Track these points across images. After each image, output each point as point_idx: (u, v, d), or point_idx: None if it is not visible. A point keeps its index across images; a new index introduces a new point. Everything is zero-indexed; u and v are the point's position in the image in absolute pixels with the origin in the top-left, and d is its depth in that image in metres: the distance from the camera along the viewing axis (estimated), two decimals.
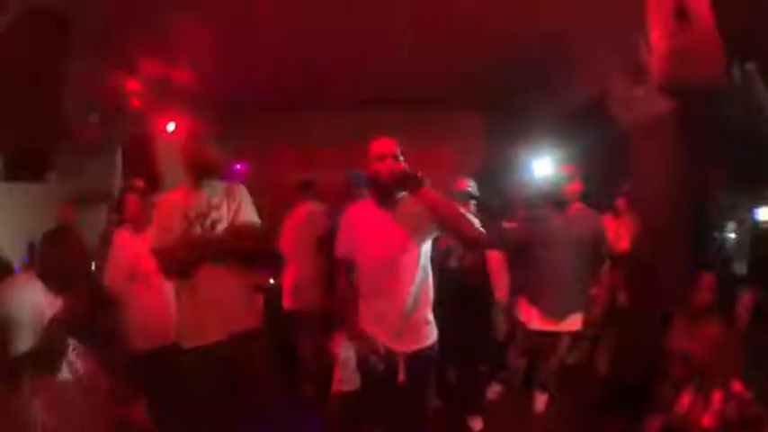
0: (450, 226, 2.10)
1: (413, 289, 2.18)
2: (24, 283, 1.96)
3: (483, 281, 3.57)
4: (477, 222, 2.08)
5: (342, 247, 2.31)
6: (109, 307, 3.06)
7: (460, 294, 3.38)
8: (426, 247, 2.23)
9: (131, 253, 2.95)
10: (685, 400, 2.41)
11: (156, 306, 2.83)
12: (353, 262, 2.28)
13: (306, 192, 4.11)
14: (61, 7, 3.05)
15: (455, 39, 3.95)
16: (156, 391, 2.68)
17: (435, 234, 2.22)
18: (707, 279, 2.90)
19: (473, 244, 2.26)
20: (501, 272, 3.69)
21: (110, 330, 3.09)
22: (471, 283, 3.48)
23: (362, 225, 2.24)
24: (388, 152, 2.14)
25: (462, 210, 2.09)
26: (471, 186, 3.57)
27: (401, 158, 2.17)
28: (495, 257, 3.65)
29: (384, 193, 2.17)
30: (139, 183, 3.54)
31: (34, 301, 1.91)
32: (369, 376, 2.30)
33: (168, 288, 2.82)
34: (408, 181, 2.06)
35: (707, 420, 2.24)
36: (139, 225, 3.04)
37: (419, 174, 2.07)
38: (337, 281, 2.39)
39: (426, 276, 2.24)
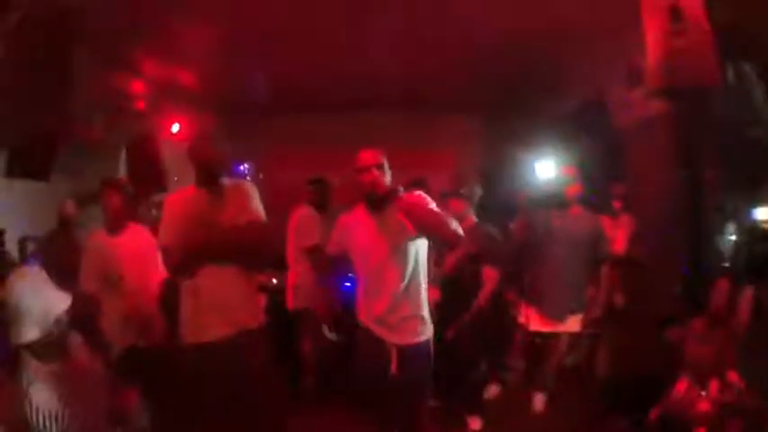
0: (425, 230, 2.21)
1: (400, 289, 2.30)
2: (34, 275, 1.97)
3: (472, 285, 3.58)
4: (454, 224, 2.19)
5: (332, 245, 2.51)
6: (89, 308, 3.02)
7: (455, 297, 3.46)
8: (415, 250, 2.33)
9: (106, 255, 2.84)
10: (681, 387, 2.43)
11: (128, 309, 2.81)
12: (342, 259, 2.48)
13: (313, 191, 4.03)
14: (67, 8, 3.09)
15: (455, 40, 4.00)
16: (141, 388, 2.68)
17: (420, 238, 2.32)
18: (723, 284, 2.92)
19: (450, 245, 2.42)
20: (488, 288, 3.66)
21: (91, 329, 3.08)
22: (462, 287, 3.52)
23: (354, 230, 2.39)
24: (371, 163, 2.27)
25: (439, 214, 2.20)
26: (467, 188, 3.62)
27: (385, 167, 2.31)
28: (490, 274, 3.63)
29: (371, 201, 2.31)
30: (123, 179, 3.41)
31: (43, 294, 1.92)
32: (363, 367, 2.42)
33: (142, 291, 2.88)
34: (383, 195, 2.24)
35: (703, 406, 2.27)
36: (116, 226, 2.91)
37: (393, 188, 2.23)
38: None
39: (416, 277, 2.35)
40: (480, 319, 3.53)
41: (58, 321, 1.95)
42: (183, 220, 2.43)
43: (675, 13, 2.91)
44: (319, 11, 3.68)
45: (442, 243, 2.33)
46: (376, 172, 2.26)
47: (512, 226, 3.97)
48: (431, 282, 2.59)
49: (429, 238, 2.31)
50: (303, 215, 3.96)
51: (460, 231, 2.20)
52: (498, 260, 3.62)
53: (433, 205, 2.26)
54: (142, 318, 2.86)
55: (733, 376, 2.27)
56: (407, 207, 2.17)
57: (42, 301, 1.91)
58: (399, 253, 2.29)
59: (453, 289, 3.46)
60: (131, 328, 2.82)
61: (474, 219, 3.68)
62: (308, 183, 4.07)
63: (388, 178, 2.32)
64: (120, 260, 2.84)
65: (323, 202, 4.03)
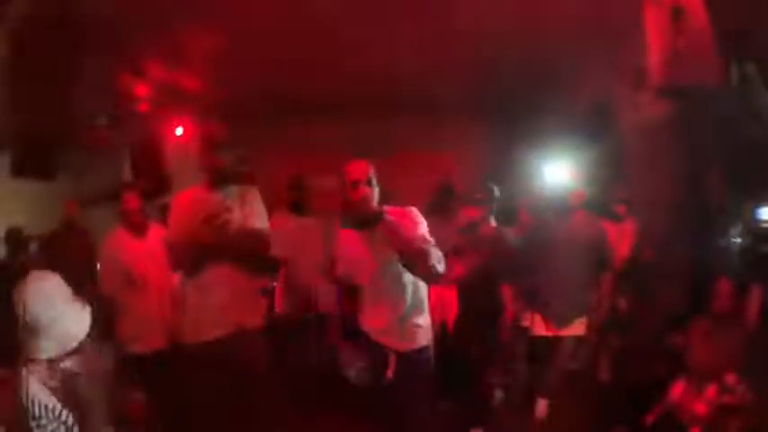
0: (406, 261, 2.17)
1: (398, 302, 2.30)
2: (53, 283, 1.94)
3: (484, 296, 3.55)
4: (436, 259, 2.13)
5: (339, 268, 2.50)
6: (108, 309, 3.03)
7: (464, 308, 3.51)
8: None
9: (129, 257, 2.89)
10: (678, 388, 2.40)
11: (153, 311, 2.86)
12: (351, 279, 2.46)
13: (290, 193, 3.80)
14: (71, 10, 3.14)
15: (459, 42, 4.01)
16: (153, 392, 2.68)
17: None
18: (725, 285, 2.90)
19: (426, 281, 2.32)
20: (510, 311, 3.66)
21: (107, 330, 3.08)
22: (471, 298, 3.52)
23: (349, 247, 2.40)
24: (359, 178, 2.22)
25: (422, 246, 2.13)
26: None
27: (373, 182, 2.27)
28: (507, 293, 3.62)
29: (357, 219, 2.31)
30: (142, 184, 3.48)
31: (64, 307, 1.89)
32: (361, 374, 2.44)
33: (164, 292, 2.92)
34: (369, 218, 2.23)
35: (700, 407, 2.23)
36: (138, 227, 2.96)
37: (379, 211, 2.20)
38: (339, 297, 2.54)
39: (413, 287, 2.34)
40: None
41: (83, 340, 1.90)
42: (190, 219, 2.50)
43: (677, 13, 2.91)
44: (323, 15, 3.71)
45: (418, 276, 2.25)
46: (364, 189, 2.21)
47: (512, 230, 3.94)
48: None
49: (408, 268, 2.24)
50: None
51: (441, 268, 2.14)
52: (512, 273, 3.56)
53: (423, 226, 2.23)
54: (167, 319, 2.90)
55: (731, 378, 2.23)
56: (391, 232, 2.13)
57: (63, 316, 1.85)
58: (392, 268, 2.26)
59: (471, 303, 3.47)
60: (157, 329, 2.86)
61: (493, 224, 3.62)
62: (286, 184, 3.84)
63: (375, 193, 2.27)
64: (146, 262, 2.89)
65: (301, 204, 3.82)
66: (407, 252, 2.12)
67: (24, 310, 1.80)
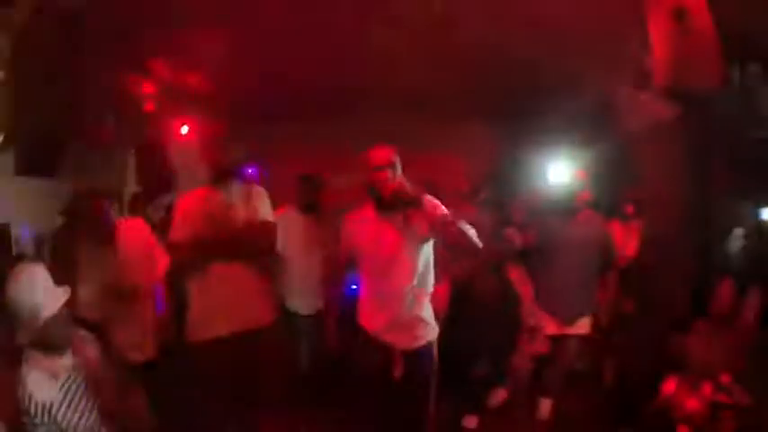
0: (447, 240, 2.20)
1: (409, 290, 2.28)
2: (31, 273, 1.96)
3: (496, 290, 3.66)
4: (472, 234, 2.15)
5: (344, 253, 2.47)
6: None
7: (457, 298, 3.55)
8: (424, 250, 2.33)
9: (109, 270, 2.72)
10: (670, 384, 2.41)
11: (147, 320, 2.82)
12: (355, 265, 2.44)
13: (300, 189, 3.59)
14: (77, 8, 3.15)
15: (462, 42, 4.02)
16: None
17: (431, 240, 2.31)
18: (726, 285, 2.91)
19: (470, 254, 2.42)
20: (525, 284, 3.81)
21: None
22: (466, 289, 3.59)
23: (362, 230, 2.35)
24: (385, 162, 2.21)
25: (459, 224, 2.16)
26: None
27: (398, 168, 2.26)
28: (516, 272, 3.76)
29: (382, 202, 2.26)
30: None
31: (34, 294, 1.91)
32: (366, 370, 2.41)
33: (153, 301, 2.89)
34: (407, 202, 2.17)
35: (692, 404, 2.24)
36: (111, 234, 2.78)
37: (417, 196, 2.17)
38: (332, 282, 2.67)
39: (423, 278, 2.34)
40: (485, 315, 3.52)
41: (54, 319, 1.91)
42: (195, 217, 2.52)
43: (680, 14, 2.91)
44: (328, 15, 3.73)
45: (462, 252, 2.36)
46: (390, 173, 2.21)
47: (507, 232, 3.97)
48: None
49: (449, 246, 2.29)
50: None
51: (479, 243, 2.16)
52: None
53: (443, 210, 2.24)
54: (159, 326, 2.88)
55: (725, 378, 2.24)
56: (431, 218, 2.14)
57: (32, 301, 1.88)
58: (411, 254, 2.27)
59: (469, 292, 3.57)
60: (151, 340, 2.83)
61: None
62: (298, 180, 3.61)
63: (401, 178, 2.26)
64: (128, 272, 2.76)
65: (312, 202, 3.58)
66: (450, 233, 2.14)
67: (7, 300, 1.85)
